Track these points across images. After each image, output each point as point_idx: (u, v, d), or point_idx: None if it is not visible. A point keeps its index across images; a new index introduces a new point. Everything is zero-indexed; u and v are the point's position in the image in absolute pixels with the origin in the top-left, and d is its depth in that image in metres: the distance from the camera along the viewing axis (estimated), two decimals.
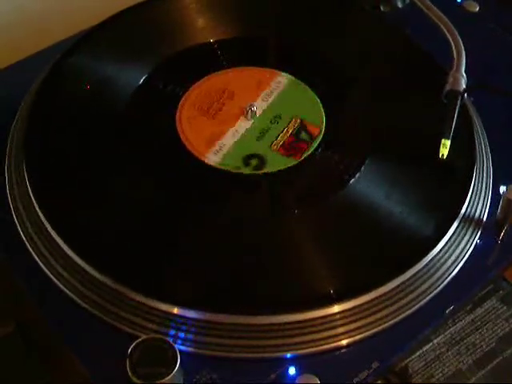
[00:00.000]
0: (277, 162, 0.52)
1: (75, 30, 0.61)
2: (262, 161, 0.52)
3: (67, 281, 0.47)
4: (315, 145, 0.53)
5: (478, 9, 0.66)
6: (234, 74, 0.58)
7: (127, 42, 0.60)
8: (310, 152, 0.53)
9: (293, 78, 0.58)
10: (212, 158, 0.52)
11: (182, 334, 0.45)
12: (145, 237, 0.48)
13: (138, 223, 0.49)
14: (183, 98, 0.56)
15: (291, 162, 0.52)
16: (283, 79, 0.58)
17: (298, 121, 0.55)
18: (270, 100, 0.56)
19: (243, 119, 0.55)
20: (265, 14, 0.63)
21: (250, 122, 0.55)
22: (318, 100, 0.56)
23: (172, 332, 0.45)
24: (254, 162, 0.52)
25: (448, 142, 0.51)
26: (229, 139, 0.54)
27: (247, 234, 0.49)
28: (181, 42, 0.60)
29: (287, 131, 0.54)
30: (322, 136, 0.54)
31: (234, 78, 0.58)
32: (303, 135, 0.54)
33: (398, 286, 0.47)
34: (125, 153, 0.53)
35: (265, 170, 0.52)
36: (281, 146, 0.53)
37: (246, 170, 0.52)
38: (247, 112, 0.55)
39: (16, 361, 0.56)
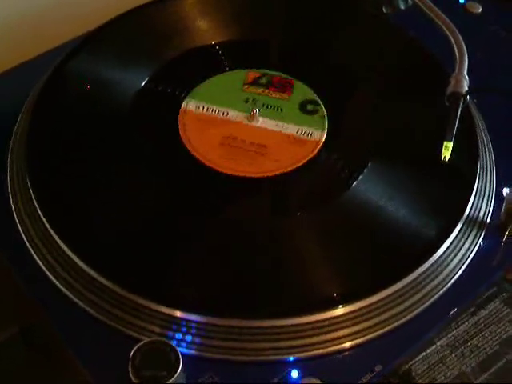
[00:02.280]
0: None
1: (77, 33, 0.61)
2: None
3: (70, 284, 0.47)
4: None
5: (480, 10, 0.66)
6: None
7: (129, 44, 0.60)
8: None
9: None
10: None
11: (184, 337, 0.45)
12: (148, 240, 0.48)
13: (141, 227, 0.49)
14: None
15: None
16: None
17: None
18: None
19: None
20: (267, 16, 0.63)
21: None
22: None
23: (174, 335, 0.45)
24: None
25: (450, 145, 0.51)
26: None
27: (250, 238, 0.49)
28: (182, 44, 0.60)
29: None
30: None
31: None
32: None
33: (402, 288, 0.46)
34: (127, 155, 0.53)
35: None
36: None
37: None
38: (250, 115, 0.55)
39: (18, 364, 0.56)
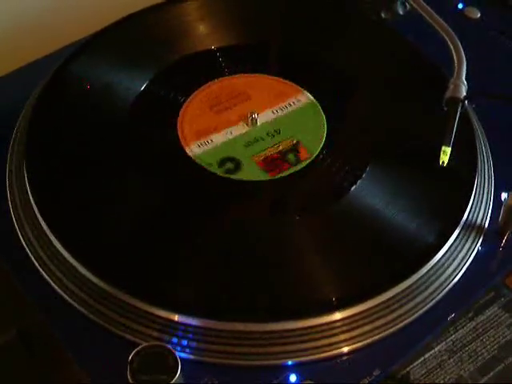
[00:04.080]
0: (250, 172, 0.52)
1: (77, 37, 0.61)
2: (237, 167, 0.52)
3: (68, 288, 0.47)
4: (296, 169, 0.52)
5: (478, 15, 0.66)
6: (258, 80, 0.58)
7: (129, 48, 0.60)
8: (286, 174, 0.52)
9: (314, 100, 0.57)
10: (194, 150, 0.53)
11: (182, 341, 0.45)
12: (145, 244, 0.48)
13: (139, 230, 0.49)
14: (193, 95, 0.57)
15: (264, 176, 0.52)
16: (303, 98, 0.57)
17: (294, 141, 0.54)
18: (281, 114, 0.56)
19: (243, 123, 0.55)
20: (267, 21, 0.63)
21: (247, 129, 0.55)
22: (325, 126, 0.55)
23: (173, 339, 0.45)
24: (229, 165, 0.52)
25: (448, 150, 0.51)
26: (219, 138, 0.54)
27: (249, 242, 0.49)
28: (182, 49, 0.60)
29: (277, 147, 0.54)
30: (307, 163, 0.52)
31: (257, 83, 0.58)
32: (290, 157, 0.53)
33: (400, 293, 0.47)
34: (126, 159, 0.53)
35: (234, 176, 0.51)
36: (263, 159, 0.53)
37: (218, 171, 0.51)
38: (248, 118, 0.55)
39: (18, 367, 0.56)
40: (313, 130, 0.55)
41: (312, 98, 0.57)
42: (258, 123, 0.55)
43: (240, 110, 0.56)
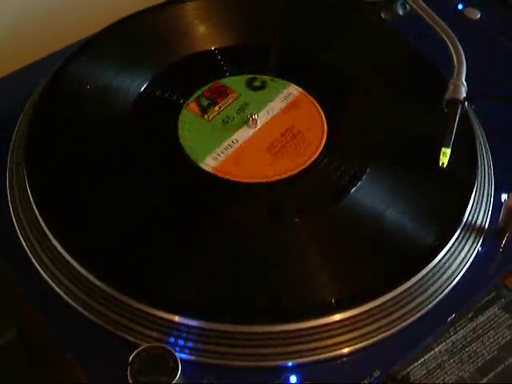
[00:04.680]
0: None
1: (76, 38, 0.61)
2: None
3: (68, 289, 0.47)
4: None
5: (478, 16, 0.66)
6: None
7: (129, 49, 0.60)
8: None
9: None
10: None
11: (183, 343, 0.45)
12: (146, 245, 0.48)
13: (139, 232, 0.49)
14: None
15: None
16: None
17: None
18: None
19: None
20: (266, 22, 0.63)
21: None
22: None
23: (173, 340, 0.45)
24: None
25: (448, 151, 0.51)
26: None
27: (248, 244, 0.49)
28: (182, 49, 0.60)
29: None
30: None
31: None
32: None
33: (400, 294, 0.47)
34: (126, 160, 0.53)
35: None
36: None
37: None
38: (249, 121, 0.55)
39: (18, 367, 0.56)
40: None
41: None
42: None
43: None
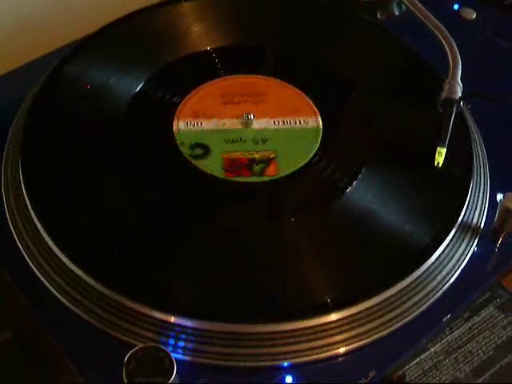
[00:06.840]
0: (210, 166, 0.52)
1: (72, 38, 0.61)
2: (204, 155, 0.52)
3: (63, 289, 0.47)
4: (254, 180, 0.51)
5: (474, 16, 0.66)
6: (284, 89, 0.57)
7: (124, 49, 0.60)
8: (242, 181, 0.51)
9: (320, 127, 0.55)
10: (180, 126, 0.54)
11: (178, 343, 0.45)
12: (141, 246, 0.48)
13: (135, 232, 0.49)
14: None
15: (219, 173, 0.51)
16: (312, 122, 0.55)
17: (271, 156, 0.53)
18: (281, 127, 0.55)
19: (238, 121, 0.55)
20: (263, 22, 0.63)
21: (239, 127, 0.55)
22: (313, 151, 0.54)
23: (169, 341, 0.45)
24: (198, 151, 0.53)
25: (443, 151, 0.51)
26: (209, 125, 0.55)
27: (244, 243, 0.49)
28: (177, 49, 0.60)
29: (251, 154, 0.53)
30: (270, 180, 0.51)
31: (280, 91, 0.57)
32: (256, 168, 0.52)
33: (395, 294, 0.47)
34: (122, 160, 0.53)
35: (195, 163, 0.52)
36: (231, 159, 0.52)
37: (186, 151, 0.52)
38: (243, 118, 0.55)
39: (14, 368, 0.56)
40: (302, 150, 0.54)
41: (321, 125, 0.55)
42: (254, 125, 0.55)
43: (246, 108, 0.56)
